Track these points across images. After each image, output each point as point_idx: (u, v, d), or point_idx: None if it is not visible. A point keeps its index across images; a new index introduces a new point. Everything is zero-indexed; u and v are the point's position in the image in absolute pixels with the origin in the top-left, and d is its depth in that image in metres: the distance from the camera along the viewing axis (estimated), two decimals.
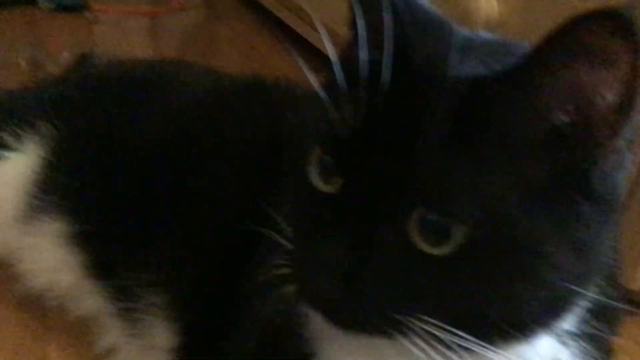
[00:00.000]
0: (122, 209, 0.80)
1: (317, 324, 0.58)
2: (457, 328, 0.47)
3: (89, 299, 0.86)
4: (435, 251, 0.46)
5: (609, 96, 0.45)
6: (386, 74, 0.47)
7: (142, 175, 0.80)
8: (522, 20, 1.35)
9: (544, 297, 0.48)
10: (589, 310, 0.55)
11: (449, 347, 0.48)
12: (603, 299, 0.55)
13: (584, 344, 0.57)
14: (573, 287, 0.48)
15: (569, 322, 0.55)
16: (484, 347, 0.48)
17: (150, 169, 0.81)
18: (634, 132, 0.46)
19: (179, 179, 0.78)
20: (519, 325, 0.49)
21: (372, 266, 0.48)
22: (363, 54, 0.48)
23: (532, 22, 1.21)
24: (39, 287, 0.90)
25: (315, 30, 0.55)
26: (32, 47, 1.77)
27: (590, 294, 0.52)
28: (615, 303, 0.57)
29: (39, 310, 0.92)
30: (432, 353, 0.49)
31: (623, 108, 0.45)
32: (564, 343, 0.56)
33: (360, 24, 0.49)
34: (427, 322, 0.48)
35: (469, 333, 0.47)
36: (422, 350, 0.49)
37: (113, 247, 0.80)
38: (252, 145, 0.78)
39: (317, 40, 0.56)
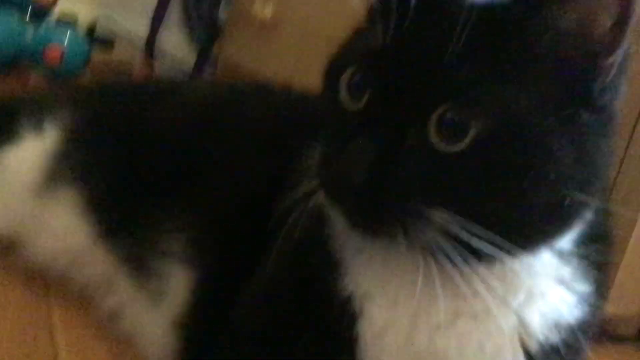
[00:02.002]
0: (142, 171, 0.85)
1: (342, 233, 0.63)
2: (471, 224, 0.52)
3: (97, 263, 0.88)
4: (450, 149, 0.52)
5: (607, 15, 0.52)
6: None
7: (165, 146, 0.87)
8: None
9: (549, 201, 0.53)
10: (586, 234, 0.61)
11: (460, 254, 0.53)
12: (599, 219, 0.62)
13: (584, 264, 0.62)
14: (575, 194, 0.54)
15: (568, 241, 0.60)
16: (495, 247, 0.53)
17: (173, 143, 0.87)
18: (628, 51, 0.55)
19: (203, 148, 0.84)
20: (527, 229, 0.55)
21: (394, 162, 0.53)
22: None
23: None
24: (47, 256, 0.92)
25: None
26: None
27: (588, 211, 0.59)
28: (607, 227, 0.64)
29: (44, 280, 0.93)
30: (444, 260, 0.54)
31: (618, 26, 0.53)
32: (565, 261, 0.61)
33: None
34: (442, 216, 0.53)
35: (482, 234, 0.52)
36: (436, 256, 0.54)
37: (132, 202, 0.84)
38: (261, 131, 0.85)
39: None
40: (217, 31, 2.55)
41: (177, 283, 0.79)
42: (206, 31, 2.58)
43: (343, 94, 0.58)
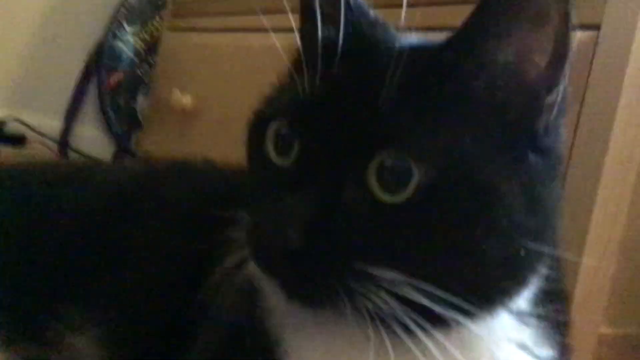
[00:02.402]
0: (44, 264, 0.74)
1: (278, 308, 0.55)
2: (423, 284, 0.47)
3: None
4: (394, 199, 0.48)
5: (543, 53, 0.50)
6: (340, 37, 0.51)
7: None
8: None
9: (503, 253, 0.49)
10: (542, 292, 0.57)
11: (414, 319, 0.48)
12: (554, 275, 0.57)
13: (543, 326, 0.57)
14: (529, 243, 0.49)
15: (525, 300, 0.55)
16: (452, 308, 0.48)
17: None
18: (567, 88, 0.52)
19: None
20: (483, 286, 0.50)
21: (332, 218, 0.48)
22: (320, 25, 0.53)
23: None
24: None
25: None
26: None
27: (543, 263, 0.54)
28: (562, 284, 0.59)
29: None
30: (396, 327, 0.48)
31: (554, 64, 0.50)
32: (525, 323, 0.56)
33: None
34: (390, 276, 0.47)
35: (436, 294, 0.47)
36: (388, 323, 0.48)
37: (34, 301, 0.72)
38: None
39: None
40: (136, 123, 2.49)
41: None
42: (124, 124, 2.52)
43: (270, 150, 0.53)
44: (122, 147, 2.44)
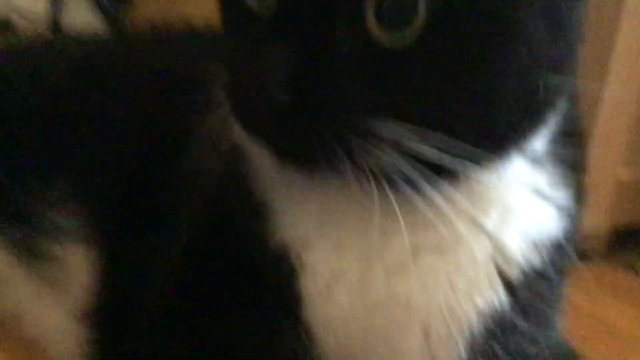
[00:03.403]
0: (17, 140, 0.70)
1: (266, 171, 0.51)
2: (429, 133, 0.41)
3: None
4: (396, 39, 0.40)
5: None
6: None
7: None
8: None
9: (521, 89, 0.43)
10: (561, 129, 0.51)
11: (419, 172, 0.42)
12: (573, 110, 0.52)
13: (559, 167, 0.52)
14: (549, 75, 0.43)
15: (542, 140, 0.50)
16: (461, 157, 0.42)
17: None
18: None
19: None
20: (497, 128, 0.44)
21: (322, 66, 0.41)
22: None
23: None
24: None
25: None
26: None
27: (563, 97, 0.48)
28: (580, 120, 0.54)
29: None
30: (400, 183, 0.43)
31: None
32: (540, 166, 0.51)
33: None
34: (393, 128, 0.41)
35: (443, 143, 0.41)
36: (391, 179, 0.43)
37: (10, 179, 0.69)
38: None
39: None
40: None
41: (77, 267, 0.66)
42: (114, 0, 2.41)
43: None
44: (114, 24, 2.33)
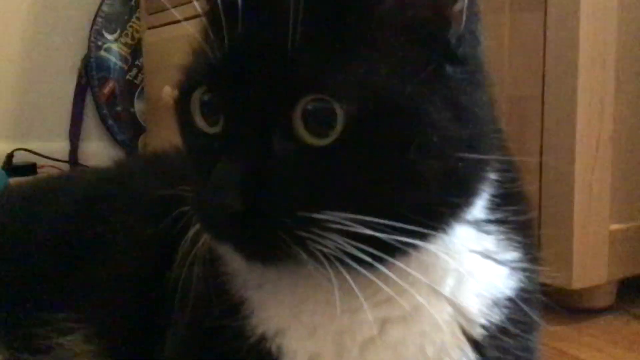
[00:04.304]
0: (26, 277, 0.77)
1: (239, 269, 0.57)
2: (367, 224, 0.47)
3: None
4: (324, 141, 0.48)
5: None
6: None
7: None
8: None
9: (443, 170, 0.49)
10: (498, 196, 0.57)
11: (369, 254, 0.48)
12: (507, 178, 0.57)
13: (504, 230, 0.57)
14: (465, 155, 0.49)
15: (480, 209, 0.55)
16: (404, 235, 0.48)
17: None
18: None
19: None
20: (431, 207, 0.50)
21: (267, 173, 0.48)
22: None
23: None
24: None
25: None
26: None
27: (489, 170, 0.54)
28: (518, 185, 0.59)
29: None
30: (355, 265, 0.48)
31: None
32: (484, 231, 0.56)
33: None
34: (337, 217, 0.47)
35: (385, 225, 0.47)
36: (346, 263, 0.49)
37: (21, 314, 0.75)
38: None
39: None
40: (139, 127, 2.53)
41: None
42: (127, 130, 2.56)
43: (198, 120, 0.54)
44: (130, 154, 2.47)
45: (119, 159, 0.93)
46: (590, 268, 1.08)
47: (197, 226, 0.55)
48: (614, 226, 1.12)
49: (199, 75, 0.54)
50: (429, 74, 0.49)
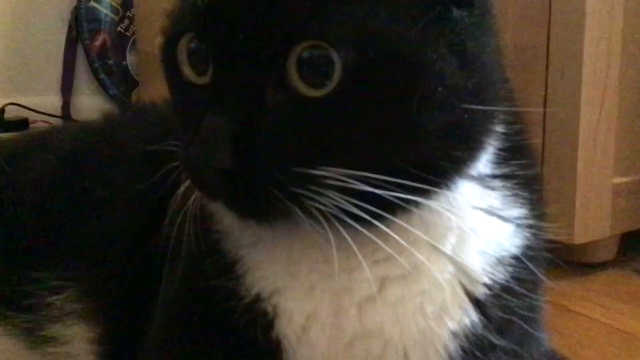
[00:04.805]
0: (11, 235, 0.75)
1: (232, 227, 0.54)
2: (366, 180, 0.45)
3: None
4: (320, 92, 0.44)
5: None
6: None
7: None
8: None
9: (447, 121, 0.46)
10: (504, 149, 0.54)
11: (368, 210, 0.46)
12: (513, 131, 0.54)
13: (510, 186, 0.54)
14: (471, 105, 0.46)
15: (486, 163, 0.53)
16: (405, 191, 0.46)
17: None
18: None
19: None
20: (433, 161, 0.47)
21: (259, 126, 0.45)
22: None
23: None
24: None
25: None
26: None
27: (496, 122, 0.51)
28: (525, 138, 0.56)
29: None
30: (353, 222, 0.46)
31: None
32: (489, 187, 0.53)
33: None
34: (335, 173, 0.45)
35: (380, 185, 0.45)
36: (344, 220, 0.46)
37: (10, 271, 0.73)
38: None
39: None
40: (131, 80, 2.48)
41: (81, 344, 0.69)
42: (120, 84, 2.51)
43: (186, 69, 0.50)
44: (123, 107, 2.43)
45: (107, 113, 0.89)
46: (593, 222, 1.06)
47: (188, 182, 0.52)
48: (618, 179, 1.10)
49: (186, 21, 0.50)
50: (434, 18, 0.46)
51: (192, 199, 0.53)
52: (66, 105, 2.47)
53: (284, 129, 0.45)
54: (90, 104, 2.50)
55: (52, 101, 2.44)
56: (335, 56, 0.44)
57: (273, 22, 0.45)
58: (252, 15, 0.45)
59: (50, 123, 2.28)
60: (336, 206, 0.46)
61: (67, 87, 2.47)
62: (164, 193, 0.59)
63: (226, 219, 0.54)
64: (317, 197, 0.45)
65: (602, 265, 1.13)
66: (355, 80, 0.44)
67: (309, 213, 0.46)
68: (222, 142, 0.45)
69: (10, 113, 2.30)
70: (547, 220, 0.57)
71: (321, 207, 0.46)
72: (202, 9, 0.47)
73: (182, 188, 0.53)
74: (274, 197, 0.46)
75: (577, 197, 1.04)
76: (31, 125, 2.27)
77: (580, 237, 1.04)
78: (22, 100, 2.33)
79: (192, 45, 0.49)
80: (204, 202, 0.52)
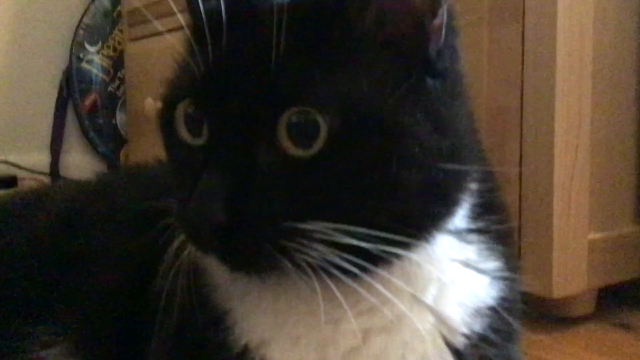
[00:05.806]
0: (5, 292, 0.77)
1: (223, 281, 0.57)
2: (351, 234, 0.48)
3: None
4: (307, 153, 0.48)
5: None
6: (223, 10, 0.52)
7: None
8: None
9: (424, 180, 0.50)
10: (479, 205, 0.58)
11: (353, 263, 0.49)
12: (487, 188, 0.58)
13: (485, 240, 0.58)
14: (445, 165, 0.50)
15: (462, 218, 0.56)
16: (387, 244, 0.49)
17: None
18: (452, 8, 0.53)
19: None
20: (412, 217, 0.50)
21: (251, 185, 0.49)
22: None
23: None
24: None
25: None
26: None
27: (470, 180, 0.55)
28: (497, 195, 0.60)
29: None
30: (339, 274, 0.49)
31: None
32: (466, 241, 0.57)
33: None
34: (321, 227, 0.48)
35: (364, 238, 0.48)
36: (330, 272, 0.49)
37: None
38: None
39: None
40: (120, 139, 2.52)
41: None
42: (109, 143, 2.55)
43: (182, 132, 0.54)
44: (111, 166, 2.46)
45: (100, 172, 0.92)
46: (569, 277, 1.09)
47: (181, 237, 0.55)
48: (593, 235, 1.14)
49: (184, 89, 0.54)
50: (410, 87, 0.50)
51: (185, 253, 0.56)
52: (55, 162, 2.49)
53: (275, 186, 0.49)
54: (79, 161, 2.53)
55: (41, 159, 2.47)
56: (321, 120, 0.48)
57: (265, 90, 0.49)
58: (245, 84, 0.50)
59: (39, 180, 2.30)
60: (323, 258, 0.49)
61: (56, 145, 2.50)
62: (156, 250, 0.62)
63: (217, 272, 0.56)
64: (305, 250, 0.48)
65: (582, 319, 1.15)
66: (339, 142, 0.48)
67: (297, 265, 0.49)
68: (216, 199, 0.48)
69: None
70: (521, 273, 0.61)
71: (309, 259, 0.49)
72: (199, 78, 0.52)
73: (176, 243, 0.57)
74: (264, 250, 0.49)
75: (554, 253, 1.07)
76: (20, 183, 2.29)
77: (558, 291, 1.07)
78: (10, 158, 2.35)
79: (189, 110, 0.53)
80: (196, 256, 0.55)
